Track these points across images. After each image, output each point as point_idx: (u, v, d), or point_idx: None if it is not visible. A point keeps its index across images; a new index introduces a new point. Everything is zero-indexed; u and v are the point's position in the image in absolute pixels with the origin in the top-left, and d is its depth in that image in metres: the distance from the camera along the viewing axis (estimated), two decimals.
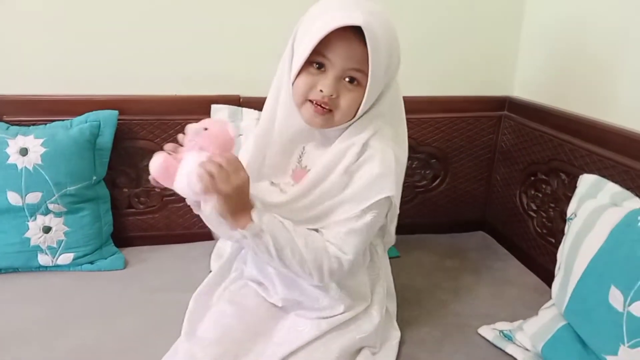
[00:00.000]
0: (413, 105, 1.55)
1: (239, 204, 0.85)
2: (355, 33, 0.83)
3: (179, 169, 0.83)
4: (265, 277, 1.03)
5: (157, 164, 0.82)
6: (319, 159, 0.97)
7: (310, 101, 0.90)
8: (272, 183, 0.99)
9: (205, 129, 0.83)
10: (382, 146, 0.95)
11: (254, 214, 0.86)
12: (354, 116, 0.92)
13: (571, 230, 1.08)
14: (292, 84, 0.91)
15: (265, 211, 0.88)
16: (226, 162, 0.80)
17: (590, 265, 0.98)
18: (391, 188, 0.93)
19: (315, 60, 0.88)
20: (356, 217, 0.92)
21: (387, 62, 0.88)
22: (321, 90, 0.88)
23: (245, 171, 0.84)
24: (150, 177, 0.84)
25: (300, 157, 0.99)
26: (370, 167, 0.93)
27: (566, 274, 1.06)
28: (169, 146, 0.85)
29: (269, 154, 0.98)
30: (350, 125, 0.94)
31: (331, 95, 0.88)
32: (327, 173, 0.94)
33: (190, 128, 0.84)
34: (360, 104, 0.90)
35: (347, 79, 0.89)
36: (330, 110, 0.90)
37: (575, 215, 1.09)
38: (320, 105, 0.89)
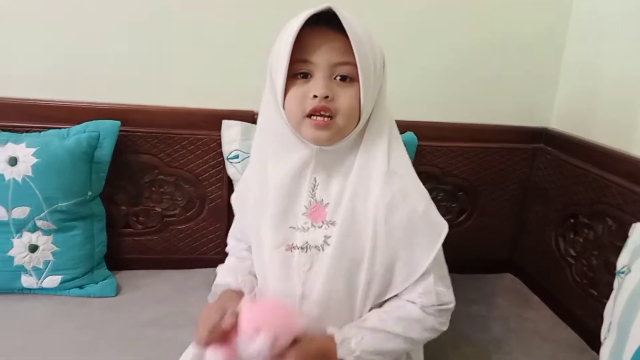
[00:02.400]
0: (441, 132, 1.45)
1: None
2: (328, 26, 0.77)
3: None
4: None
5: None
6: (336, 190, 0.85)
7: (309, 117, 0.79)
8: (291, 227, 0.86)
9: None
10: (405, 170, 0.87)
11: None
12: (359, 120, 0.82)
13: (624, 286, 0.95)
14: (284, 107, 0.81)
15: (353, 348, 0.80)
16: None
17: None
18: (441, 218, 0.87)
19: (299, 71, 0.79)
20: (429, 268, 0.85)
21: (369, 47, 0.79)
22: (315, 96, 0.78)
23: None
24: None
25: (313, 190, 0.86)
26: (413, 206, 0.84)
27: (620, 338, 0.91)
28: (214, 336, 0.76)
29: (271, 200, 0.87)
30: (356, 135, 0.84)
31: (326, 97, 0.78)
32: (356, 208, 0.83)
33: (246, 331, 0.73)
34: (360, 102, 0.80)
35: (338, 78, 0.80)
36: (331, 118, 0.79)
37: (630, 270, 0.96)
38: (319, 116, 0.79)
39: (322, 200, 0.86)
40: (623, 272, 0.98)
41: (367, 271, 0.83)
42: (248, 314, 0.75)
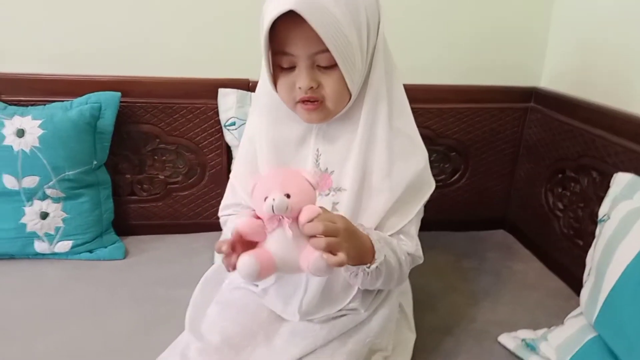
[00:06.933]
0: (433, 94, 1.49)
1: (353, 248, 0.77)
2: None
3: (271, 253, 0.73)
4: (286, 294, 0.92)
5: (251, 270, 0.70)
6: (339, 158, 0.89)
7: (300, 102, 0.84)
8: None
9: (288, 195, 0.71)
10: (410, 131, 0.91)
11: (377, 254, 0.81)
12: (350, 98, 0.85)
13: (603, 233, 1.00)
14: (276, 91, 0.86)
15: (380, 243, 0.83)
16: (330, 231, 0.72)
17: (625, 272, 0.90)
18: (432, 178, 0.93)
19: (282, 63, 0.83)
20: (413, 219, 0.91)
21: (349, 25, 0.78)
22: (300, 88, 0.82)
23: (340, 217, 0.76)
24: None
25: (317, 159, 0.91)
26: (416, 163, 0.90)
27: (597, 281, 0.97)
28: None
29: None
30: (352, 107, 0.87)
31: (310, 87, 0.81)
32: (363, 173, 0.88)
33: (269, 206, 0.70)
34: (347, 84, 0.83)
35: (320, 65, 0.82)
36: (321, 102, 0.84)
37: (609, 217, 1.00)
38: (308, 101, 0.83)
39: (327, 168, 0.90)
40: (603, 220, 1.02)
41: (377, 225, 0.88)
42: (258, 185, 0.75)
